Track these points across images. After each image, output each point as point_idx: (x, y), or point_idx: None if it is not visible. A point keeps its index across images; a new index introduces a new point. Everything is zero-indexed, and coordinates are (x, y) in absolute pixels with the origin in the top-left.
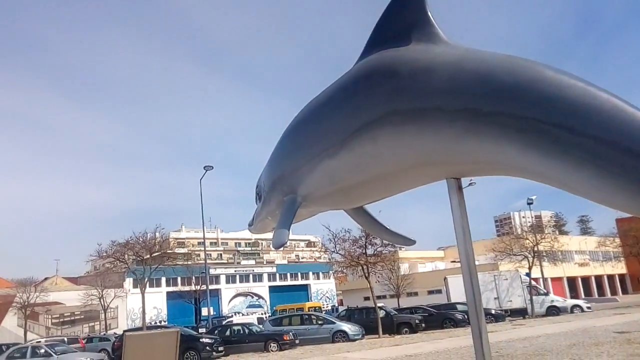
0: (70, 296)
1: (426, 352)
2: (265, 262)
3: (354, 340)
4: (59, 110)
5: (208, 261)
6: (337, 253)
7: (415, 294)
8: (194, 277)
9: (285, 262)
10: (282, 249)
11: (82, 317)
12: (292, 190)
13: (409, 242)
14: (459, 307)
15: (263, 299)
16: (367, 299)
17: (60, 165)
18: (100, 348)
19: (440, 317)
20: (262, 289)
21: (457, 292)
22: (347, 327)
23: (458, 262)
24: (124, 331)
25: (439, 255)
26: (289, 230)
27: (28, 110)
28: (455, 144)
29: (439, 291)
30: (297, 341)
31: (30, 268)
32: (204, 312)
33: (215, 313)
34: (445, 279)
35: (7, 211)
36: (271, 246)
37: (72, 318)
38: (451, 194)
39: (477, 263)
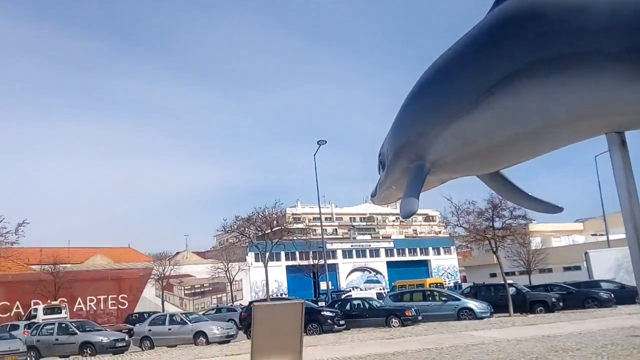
0: (199, 269)
1: (567, 333)
2: (381, 237)
3: (481, 318)
4: (178, 95)
5: (324, 236)
6: (460, 227)
7: (549, 270)
8: (311, 252)
9: (402, 237)
10: (407, 219)
11: (211, 289)
12: (419, 157)
13: (555, 209)
14: (604, 285)
15: (381, 274)
16: (493, 275)
17: (187, 147)
18: (228, 318)
19: (581, 296)
20: (380, 264)
21: (600, 268)
22: (474, 304)
23: (600, 235)
24: (251, 302)
25: (577, 227)
26: (418, 199)
27: (152, 97)
28: (619, 91)
29: (577, 267)
30: (419, 317)
31: (164, 244)
32: (323, 286)
33: (333, 287)
34: (586, 253)
35: (143, 192)
36: (400, 217)
37: (202, 290)
38: (612, 150)
39: None
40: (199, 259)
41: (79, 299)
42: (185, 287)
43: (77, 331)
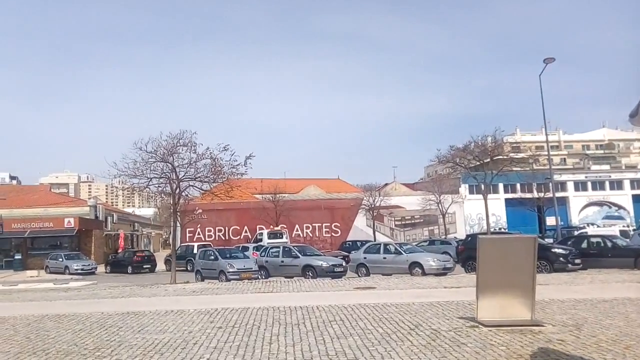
0: (408, 200)
1: None
2: (623, 167)
3: None
4: (392, 28)
5: (551, 166)
6: None
7: None
8: (535, 184)
9: None
10: None
11: (421, 220)
12: None
13: None
14: None
15: (624, 209)
16: None
17: (397, 79)
18: (442, 251)
19: None
20: (623, 197)
21: None
22: None
23: None
24: (469, 235)
25: None
26: None
27: (365, 32)
28: None
29: None
30: None
31: (371, 175)
32: (549, 221)
33: (562, 223)
34: None
35: (350, 126)
36: None
37: (413, 221)
38: None
39: None
40: (407, 190)
41: (297, 225)
42: (396, 218)
43: (299, 255)
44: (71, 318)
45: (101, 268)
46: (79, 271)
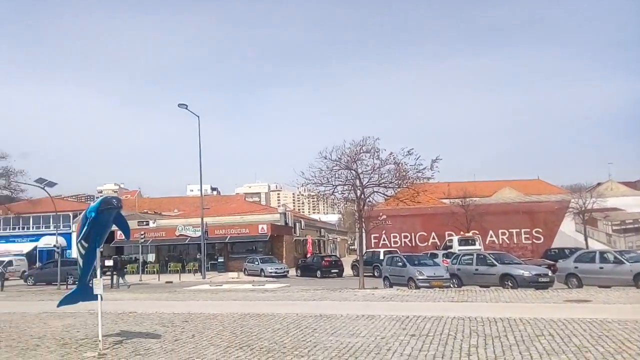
0: (629, 202)
1: None
2: None
3: None
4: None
5: None
6: None
7: None
8: None
9: None
10: None
11: None
12: None
13: None
14: None
15: None
16: None
17: (614, 62)
18: None
19: None
20: None
21: None
22: None
23: None
24: None
25: None
26: None
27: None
28: None
29: None
30: None
31: (578, 174)
32: None
33: None
34: None
35: (551, 121)
36: None
37: (635, 225)
38: None
39: None
40: (627, 190)
41: (491, 231)
42: (613, 222)
43: (495, 263)
44: (270, 317)
45: (292, 271)
46: (272, 274)
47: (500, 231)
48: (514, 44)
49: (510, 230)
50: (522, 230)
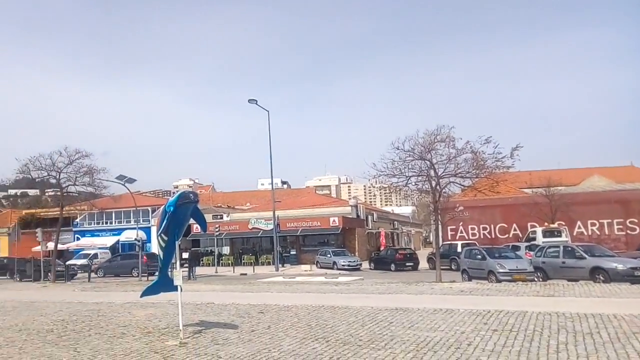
0: None
1: None
2: None
3: None
4: None
5: None
6: None
7: None
8: None
9: None
10: None
11: None
12: None
13: None
14: None
15: None
16: None
17: None
18: None
19: None
20: None
21: None
22: None
23: None
24: None
25: None
26: None
27: None
28: None
29: None
30: None
31: None
32: None
33: None
34: None
35: None
36: None
37: None
38: None
39: None
40: None
41: (579, 222)
42: None
43: (585, 255)
44: (344, 310)
45: (365, 264)
46: (345, 267)
47: (589, 222)
48: (601, 23)
49: (600, 220)
50: (615, 221)
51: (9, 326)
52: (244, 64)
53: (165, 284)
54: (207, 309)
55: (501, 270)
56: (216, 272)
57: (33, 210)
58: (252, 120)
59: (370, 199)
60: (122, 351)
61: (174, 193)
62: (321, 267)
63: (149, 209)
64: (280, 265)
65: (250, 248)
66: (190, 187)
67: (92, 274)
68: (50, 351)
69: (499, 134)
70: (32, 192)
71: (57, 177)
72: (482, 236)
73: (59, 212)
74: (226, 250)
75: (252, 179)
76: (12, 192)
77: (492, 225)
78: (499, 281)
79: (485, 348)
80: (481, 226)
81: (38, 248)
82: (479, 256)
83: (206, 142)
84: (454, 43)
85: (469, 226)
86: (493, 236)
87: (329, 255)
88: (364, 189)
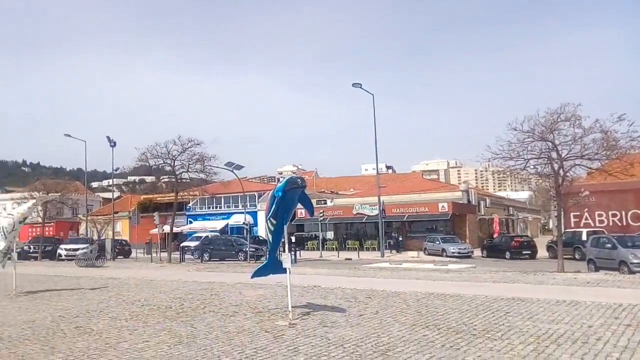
0: None
1: None
2: None
3: None
4: None
5: None
6: None
7: None
8: None
9: None
10: None
11: None
12: None
13: None
14: None
15: None
16: None
17: None
18: None
19: None
20: None
21: None
22: None
23: None
24: None
25: None
26: None
27: None
28: None
29: None
30: None
31: None
32: None
33: None
34: None
35: None
36: None
37: None
38: None
39: None
40: None
41: None
42: None
43: None
44: (456, 298)
45: (476, 252)
46: (455, 254)
47: None
48: None
49: None
50: None
51: (133, 301)
52: (347, 48)
53: (274, 266)
54: (314, 292)
55: (635, 261)
56: (321, 256)
57: (150, 196)
58: (355, 105)
59: (483, 183)
60: (235, 329)
61: (278, 179)
62: (429, 254)
63: (255, 194)
64: (385, 251)
65: (354, 233)
66: (293, 173)
67: (188, 256)
68: (170, 325)
69: (634, 112)
70: (149, 178)
71: (172, 164)
72: (611, 223)
73: (173, 197)
74: (330, 235)
75: (356, 164)
76: (131, 178)
77: (623, 212)
78: (632, 272)
79: (617, 344)
80: (610, 212)
81: (155, 230)
82: (609, 245)
83: (309, 128)
84: (572, 10)
85: (596, 212)
86: (624, 223)
87: (437, 242)
88: (475, 173)
